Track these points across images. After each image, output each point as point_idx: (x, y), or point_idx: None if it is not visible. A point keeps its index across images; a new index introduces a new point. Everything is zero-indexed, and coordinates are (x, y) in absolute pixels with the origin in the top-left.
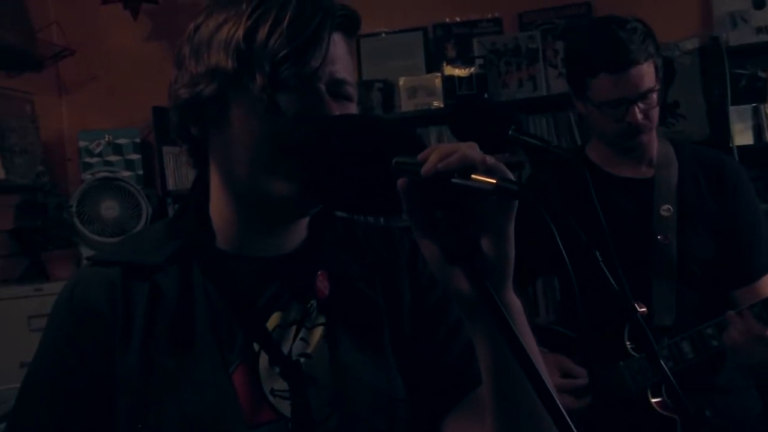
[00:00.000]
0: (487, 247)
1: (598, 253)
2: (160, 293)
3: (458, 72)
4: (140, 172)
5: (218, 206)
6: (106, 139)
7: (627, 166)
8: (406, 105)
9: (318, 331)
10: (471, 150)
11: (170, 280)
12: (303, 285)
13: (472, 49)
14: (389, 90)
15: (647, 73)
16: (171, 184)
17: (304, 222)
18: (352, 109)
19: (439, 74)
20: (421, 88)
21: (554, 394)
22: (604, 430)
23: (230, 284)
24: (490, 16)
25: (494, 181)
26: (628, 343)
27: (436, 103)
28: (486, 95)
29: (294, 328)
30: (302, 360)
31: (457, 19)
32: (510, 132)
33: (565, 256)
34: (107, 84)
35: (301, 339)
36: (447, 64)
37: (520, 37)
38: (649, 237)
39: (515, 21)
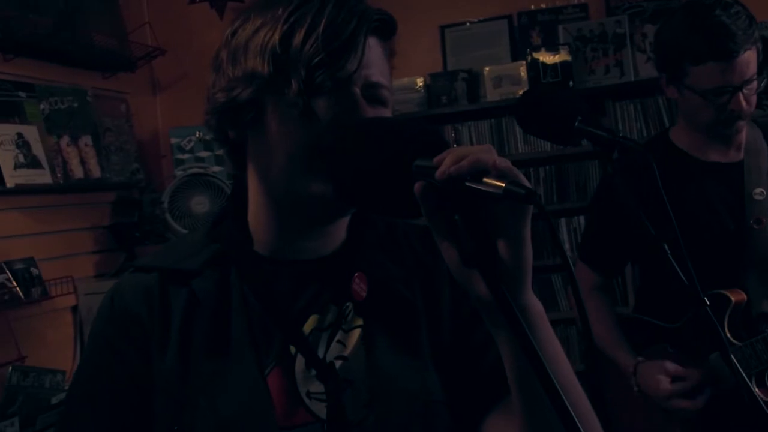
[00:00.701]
0: (503, 251)
1: (666, 247)
2: (197, 298)
3: (544, 59)
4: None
5: (256, 210)
6: (197, 135)
7: (715, 151)
8: (491, 94)
9: (355, 334)
10: (484, 153)
11: (207, 285)
12: (340, 288)
13: (558, 36)
14: (474, 80)
15: (752, 60)
16: None
17: (343, 224)
18: (387, 113)
19: (524, 62)
20: (506, 77)
21: (567, 403)
22: (703, 423)
23: (267, 288)
24: (576, 1)
25: (503, 184)
26: (727, 332)
27: (521, 92)
28: (572, 83)
29: (331, 330)
30: (339, 362)
31: (543, 6)
32: (576, 123)
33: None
34: (197, 81)
35: (338, 341)
36: (532, 52)
37: (607, 22)
38: (742, 222)
39: (602, 6)
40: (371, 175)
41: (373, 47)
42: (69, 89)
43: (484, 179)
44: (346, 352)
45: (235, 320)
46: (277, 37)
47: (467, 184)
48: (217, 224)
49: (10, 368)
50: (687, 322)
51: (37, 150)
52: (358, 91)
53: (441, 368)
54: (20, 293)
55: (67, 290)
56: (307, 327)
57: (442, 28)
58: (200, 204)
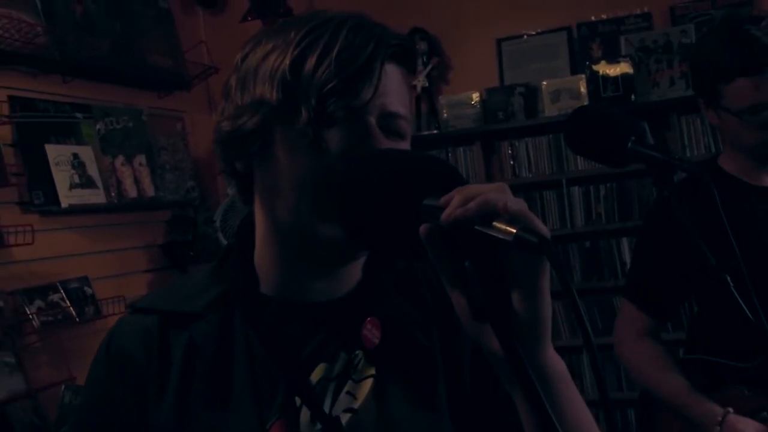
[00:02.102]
0: (518, 303)
1: (729, 278)
2: (198, 343)
3: (604, 72)
4: None
5: (263, 248)
6: None
7: (767, 174)
8: (549, 110)
9: (367, 384)
10: (495, 193)
11: (209, 329)
12: (352, 334)
13: (620, 48)
14: (531, 94)
15: None
16: None
17: (359, 263)
18: (404, 145)
19: (583, 76)
20: (564, 91)
21: None
22: None
23: (273, 333)
24: (638, 11)
25: (514, 230)
26: None
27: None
28: (633, 96)
29: (340, 380)
30: (348, 416)
31: (603, 17)
32: (629, 144)
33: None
34: None
35: (347, 393)
36: (592, 65)
37: (672, 32)
38: None
39: (666, 15)
40: (378, 213)
41: (391, 74)
42: (125, 109)
43: (494, 223)
44: (356, 405)
45: (237, 368)
46: (287, 62)
47: (476, 228)
48: (224, 262)
49: (63, 387)
50: (764, 362)
51: (92, 170)
52: (373, 121)
53: (459, 423)
54: (74, 313)
55: (120, 309)
56: (315, 376)
57: (499, 42)
58: None
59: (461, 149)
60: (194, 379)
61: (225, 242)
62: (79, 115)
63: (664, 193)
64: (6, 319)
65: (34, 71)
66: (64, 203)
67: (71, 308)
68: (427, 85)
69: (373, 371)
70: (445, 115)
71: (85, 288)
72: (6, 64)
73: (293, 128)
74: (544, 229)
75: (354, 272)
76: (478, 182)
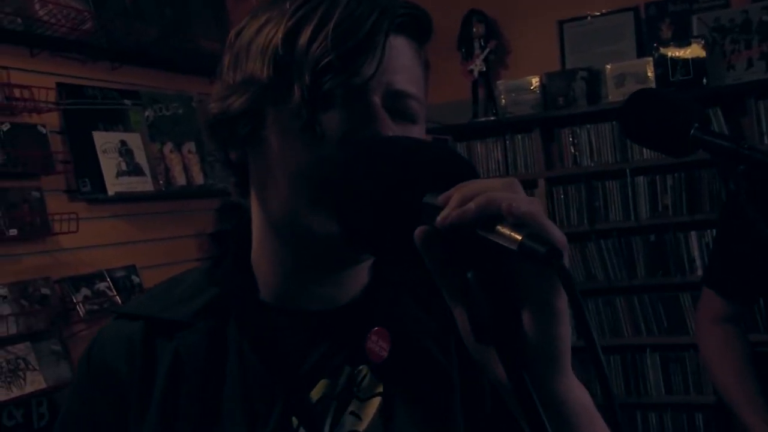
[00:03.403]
0: (528, 325)
1: None
2: (186, 353)
3: (673, 54)
4: None
5: (259, 248)
6: None
7: None
8: (613, 95)
9: (374, 404)
10: (501, 191)
11: (197, 339)
12: (357, 346)
13: (691, 28)
14: (594, 79)
15: None
16: None
17: (366, 265)
18: (416, 131)
19: (650, 59)
20: (630, 75)
21: None
22: None
23: (270, 344)
24: None
25: (519, 237)
26: None
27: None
28: (705, 80)
29: (343, 399)
30: None
31: None
32: (692, 132)
33: None
34: None
35: (352, 413)
36: (660, 47)
37: (752, 9)
38: None
39: None
40: (376, 210)
41: (401, 48)
42: (174, 96)
43: (498, 227)
44: (362, 427)
45: (229, 382)
46: (280, 35)
47: (479, 232)
48: (219, 263)
49: None
50: None
51: (140, 157)
52: (377, 101)
53: None
54: (120, 301)
55: None
56: (315, 393)
57: (560, 23)
58: None
59: (519, 137)
60: (180, 394)
61: None
62: (127, 101)
63: (731, 187)
64: (53, 308)
65: (82, 58)
66: (111, 191)
67: (118, 297)
68: (484, 69)
69: (381, 389)
70: (503, 101)
71: (133, 277)
72: (54, 50)
73: (286, 109)
74: (559, 237)
75: (361, 275)
76: (537, 172)
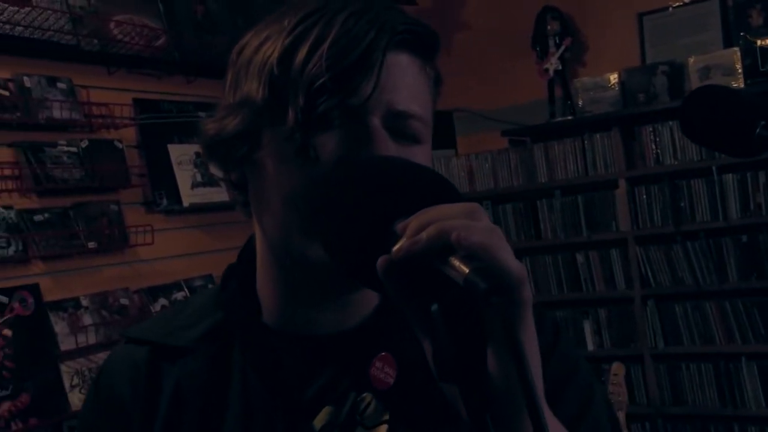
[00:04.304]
0: (492, 364)
1: None
2: (187, 380)
3: (763, 44)
4: None
5: (262, 271)
6: None
7: None
8: None
9: (381, 431)
10: (457, 221)
11: (198, 366)
12: (363, 372)
13: None
14: (677, 73)
15: None
16: None
17: None
18: (420, 153)
19: (737, 49)
20: (715, 68)
21: None
22: None
23: (273, 369)
24: None
25: (467, 270)
26: None
27: (735, 84)
28: None
29: (348, 427)
30: None
31: None
32: (758, 130)
33: None
34: None
35: None
36: (749, 36)
37: None
38: None
39: None
40: (354, 237)
41: (403, 66)
42: None
43: (451, 259)
44: None
45: (231, 409)
46: (276, 54)
47: (435, 264)
48: (225, 285)
49: None
50: None
51: (215, 168)
52: (376, 122)
53: None
54: None
55: None
56: (319, 421)
57: (640, 16)
58: None
59: (598, 136)
60: (182, 421)
61: None
62: (201, 113)
63: None
64: (132, 317)
65: (157, 73)
66: (186, 202)
67: None
68: (560, 67)
69: (387, 416)
70: (580, 99)
71: (210, 286)
72: (130, 68)
73: (281, 131)
74: (514, 270)
75: (368, 298)
76: (617, 172)
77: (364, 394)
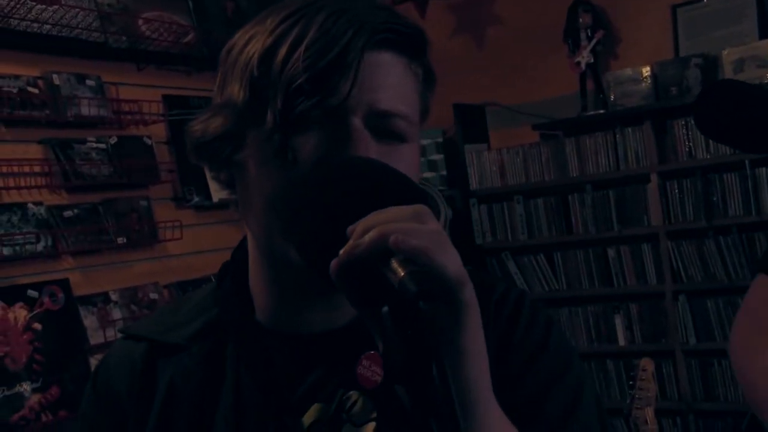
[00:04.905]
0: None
1: None
2: (180, 377)
3: None
4: (443, 173)
5: (253, 269)
6: None
7: None
8: None
9: (368, 430)
10: (400, 224)
11: (192, 363)
12: (352, 370)
13: None
14: (711, 65)
15: None
16: (474, 184)
17: None
18: (406, 151)
19: None
20: (750, 59)
21: None
22: None
23: (265, 367)
24: None
25: (402, 274)
26: None
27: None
28: None
29: (336, 424)
30: None
31: None
32: None
33: None
34: None
35: None
36: None
37: None
38: None
39: None
40: (320, 241)
41: (386, 65)
42: None
43: (392, 262)
44: None
45: (222, 406)
46: (257, 55)
47: (379, 268)
48: (221, 283)
49: None
50: None
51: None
52: (357, 122)
53: None
54: None
55: None
56: (308, 418)
57: (674, 8)
58: None
59: (629, 130)
60: (174, 418)
61: None
62: None
63: None
64: None
65: (187, 69)
66: (215, 198)
67: None
68: (592, 61)
69: (375, 415)
70: (612, 93)
71: None
72: (160, 64)
73: (261, 133)
74: (452, 274)
75: None
76: (648, 166)
77: (351, 392)
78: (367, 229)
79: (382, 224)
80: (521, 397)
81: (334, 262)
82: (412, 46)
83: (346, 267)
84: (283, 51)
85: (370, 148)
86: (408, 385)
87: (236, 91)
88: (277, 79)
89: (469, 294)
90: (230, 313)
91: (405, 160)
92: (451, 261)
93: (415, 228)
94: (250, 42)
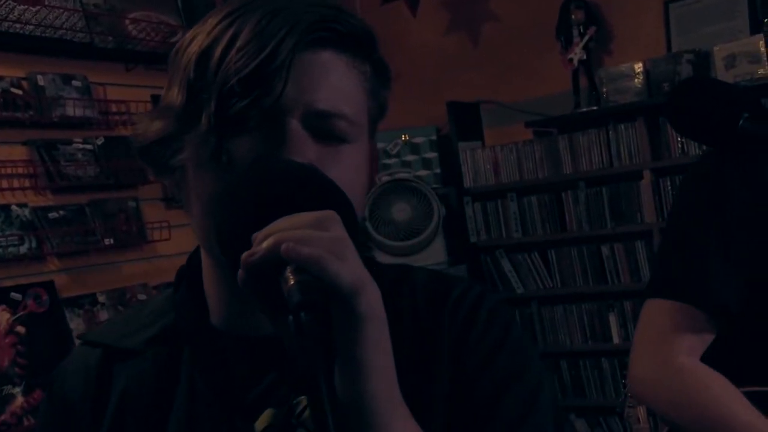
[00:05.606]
0: (338, 378)
1: None
2: (134, 382)
3: None
4: (437, 171)
5: (206, 274)
6: (403, 138)
7: None
8: (722, 77)
9: None
10: (293, 232)
11: (145, 368)
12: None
13: None
14: (702, 61)
15: None
16: (468, 182)
17: None
18: (350, 152)
19: (763, 36)
20: (741, 55)
21: None
22: None
23: (219, 372)
24: None
25: (292, 282)
26: None
27: (761, 71)
28: None
29: (288, 429)
30: None
31: None
32: (741, 122)
33: None
34: (404, 82)
35: None
36: None
37: None
38: None
39: None
40: (234, 246)
41: (325, 65)
42: None
43: (285, 271)
44: None
45: (175, 411)
46: (194, 57)
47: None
48: (177, 287)
49: None
50: None
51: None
52: (295, 123)
53: None
54: None
55: None
56: (260, 423)
57: (666, 4)
58: (402, 211)
59: (622, 126)
60: (127, 423)
61: (373, 232)
62: None
63: None
64: None
65: None
66: None
67: None
68: (584, 57)
69: None
70: (605, 89)
71: None
72: (148, 64)
73: (198, 136)
74: (343, 282)
75: None
76: (641, 163)
77: (301, 398)
78: (267, 237)
79: (280, 232)
80: (477, 398)
81: (240, 271)
82: (354, 44)
83: (246, 275)
84: (218, 52)
85: (306, 149)
86: (308, 394)
87: (175, 94)
88: (211, 80)
89: (367, 305)
90: (186, 317)
91: (346, 161)
92: (346, 270)
93: (311, 235)
94: (192, 43)
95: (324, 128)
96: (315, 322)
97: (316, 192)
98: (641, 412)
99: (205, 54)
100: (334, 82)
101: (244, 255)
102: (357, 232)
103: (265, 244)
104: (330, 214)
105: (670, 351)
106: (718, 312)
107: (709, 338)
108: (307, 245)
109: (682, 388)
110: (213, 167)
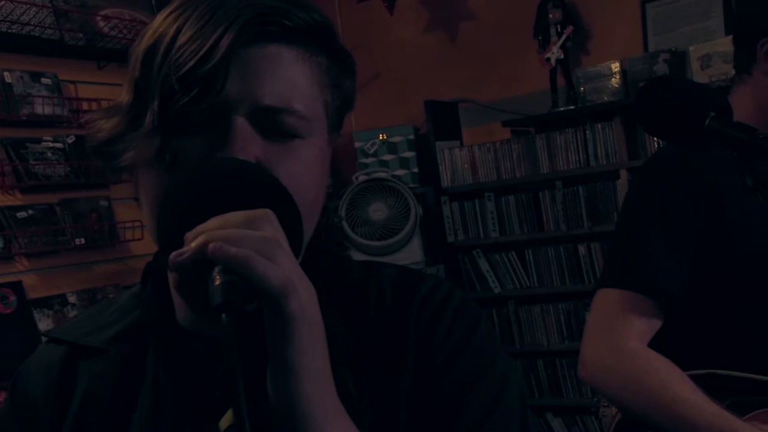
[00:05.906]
0: (269, 383)
1: None
2: (96, 381)
3: None
4: (415, 170)
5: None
6: (380, 137)
7: None
8: (698, 76)
9: None
10: (222, 232)
11: (111, 365)
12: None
13: None
14: (678, 61)
15: None
16: (446, 181)
17: None
18: (301, 148)
19: None
20: (716, 55)
21: None
22: None
23: (183, 370)
24: None
25: (217, 283)
26: None
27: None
28: None
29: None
30: None
31: None
32: (707, 122)
33: None
34: (381, 81)
35: None
36: None
37: None
38: None
39: None
40: (170, 246)
41: (273, 60)
42: None
43: (213, 271)
44: None
45: (138, 409)
46: (141, 56)
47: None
48: (144, 284)
49: None
50: None
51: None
52: (240, 119)
53: None
54: None
55: None
56: (225, 422)
57: (643, 4)
58: (378, 211)
59: (600, 125)
60: (89, 422)
61: (350, 231)
62: None
63: (747, 183)
64: None
65: None
66: None
67: None
68: (562, 56)
69: None
70: (583, 88)
71: None
72: (122, 62)
73: (143, 135)
74: (271, 283)
75: None
76: (618, 162)
77: None
78: (196, 237)
79: (209, 231)
80: (441, 396)
81: (173, 275)
82: (305, 36)
83: (177, 276)
84: (161, 50)
85: (251, 147)
86: (233, 401)
87: (124, 93)
88: (155, 79)
89: (297, 305)
90: (151, 315)
91: (297, 157)
92: (274, 270)
93: (239, 235)
94: (142, 41)
95: (272, 124)
96: (236, 323)
97: (253, 190)
98: (615, 412)
99: (150, 51)
100: (282, 76)
101: (173, 255)
102: (301, 230)
103: (193, 244)
104: (263, 213)
105: (619, 337)
106: (663, 299)
107: (656, 324)
108: (234, 245)
109: (630, 372)
110: (157, 167)
